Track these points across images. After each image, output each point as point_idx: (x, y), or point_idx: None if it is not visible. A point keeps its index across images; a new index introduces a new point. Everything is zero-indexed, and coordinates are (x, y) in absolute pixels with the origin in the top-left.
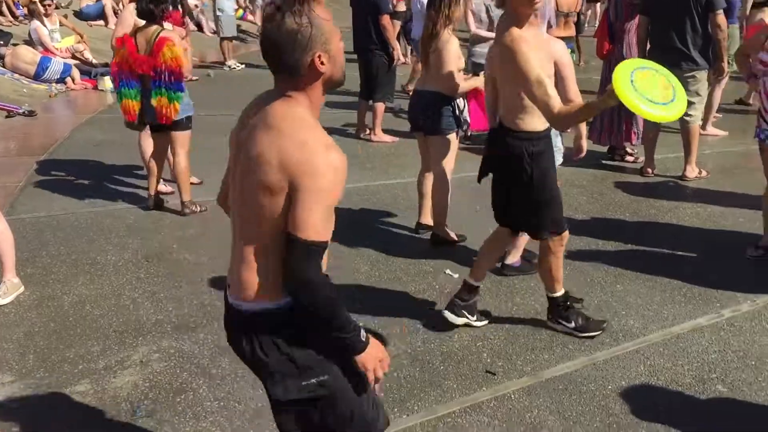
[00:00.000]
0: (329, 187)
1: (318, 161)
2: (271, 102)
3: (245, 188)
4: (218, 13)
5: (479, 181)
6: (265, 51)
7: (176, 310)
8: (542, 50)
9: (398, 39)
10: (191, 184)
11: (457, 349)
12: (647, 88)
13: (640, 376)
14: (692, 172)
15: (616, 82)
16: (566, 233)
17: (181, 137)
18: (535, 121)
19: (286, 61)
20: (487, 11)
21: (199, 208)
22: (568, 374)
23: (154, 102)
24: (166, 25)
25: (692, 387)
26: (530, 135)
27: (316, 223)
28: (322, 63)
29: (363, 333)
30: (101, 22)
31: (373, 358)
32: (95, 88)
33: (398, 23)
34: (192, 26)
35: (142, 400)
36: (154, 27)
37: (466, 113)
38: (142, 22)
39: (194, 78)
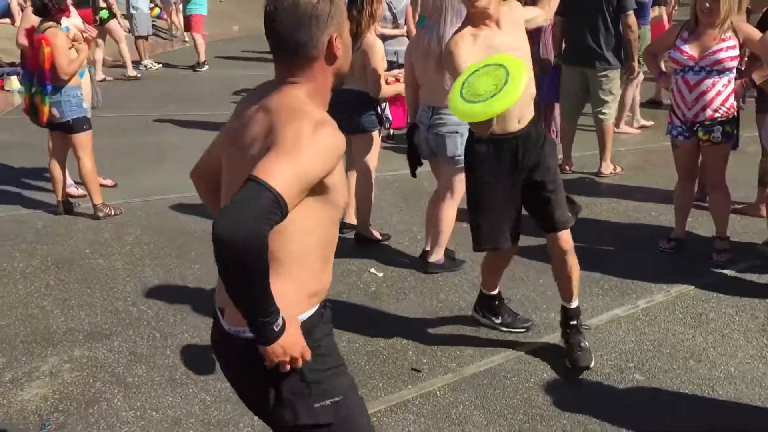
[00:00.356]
0: (309, 154)
1: (304, 126)
2: (271, 91)
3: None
4: (132, 11)
5: (413, 174)
6: (274, 26)
7: (89, 317)
8: (491, 49)
9: None
10: (105, 186)
11: (382, 348)
12: (480, 89)
13: (561, 368)
14: (607, 168)
15: (450, 104)
16: (497, 254)
17: (78, 139)
18: (481, 126)
19: (299, 38)
20: (390, 8)
21: (113, 211)
22: (492, 369)
23: (35, 99)
24: (69, 20)
25: (611, 377)
26: (473, 137)
27: (283, 176)
28: (337, 46)
29: (280, 320)
30: (7, 20)
31: (288, 346)
32: (1, 88)
33: None
34: (124, 24)
35: (51, 412)
36: (48, 23)
37: (388, 111)
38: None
39: (132, 76)
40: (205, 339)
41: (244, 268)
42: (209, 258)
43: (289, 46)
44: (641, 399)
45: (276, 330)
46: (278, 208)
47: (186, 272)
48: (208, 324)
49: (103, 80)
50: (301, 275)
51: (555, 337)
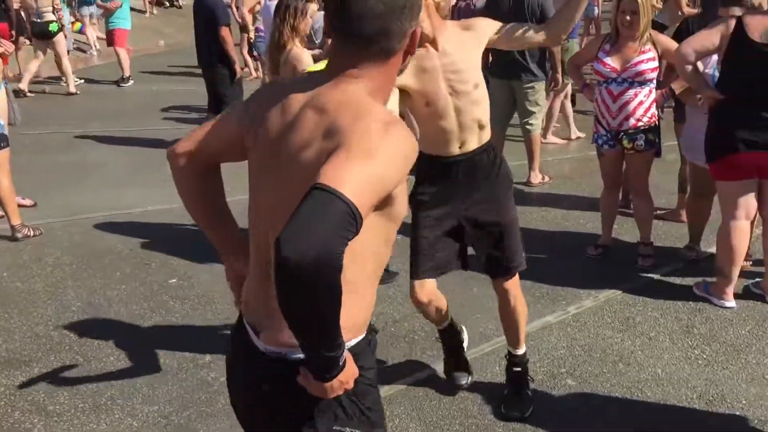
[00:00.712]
0: (383, 157)
1: (373, 125)
2: (322, 86)
3: (294, 194)
4: None
5: None
6: (354, 8)
7: (6, 343)
8: (423, 73)
9: (250, 53)
10: (23, 206)
11: None
12: None
13: (495, 376)
14: (536, 177)
15: None
16: (413, 282)
17: None
18: (422, 143)
19: (388, 27)
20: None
21: (32, 232)
22: (428, 380)
23: None
24: None
25: (544, 383)
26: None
27: (355, 182)
28: (417, 38)
29: (345, 353)
30: None
31: (345, 380)
32: None
33: (246, 36)
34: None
35: None
36: None
37: None
38: None
39: (73, 92)
40: (130, 362)
41: (315, 294)
42: (135, 278)
43: (369, 35)
44: (573, 404)
45: (341, 364)
46: (353, 222)
47: (111, 294)
48: (135, 346)
49: (24, 95)
50: (353, 302)
51: (488, 347)
